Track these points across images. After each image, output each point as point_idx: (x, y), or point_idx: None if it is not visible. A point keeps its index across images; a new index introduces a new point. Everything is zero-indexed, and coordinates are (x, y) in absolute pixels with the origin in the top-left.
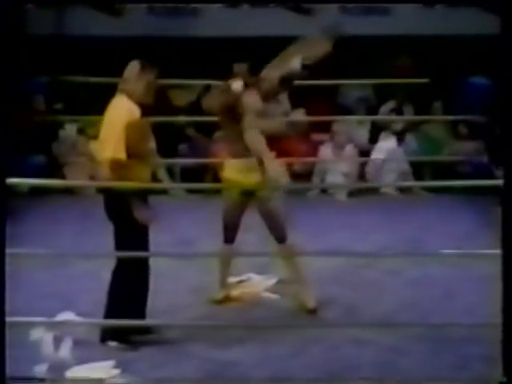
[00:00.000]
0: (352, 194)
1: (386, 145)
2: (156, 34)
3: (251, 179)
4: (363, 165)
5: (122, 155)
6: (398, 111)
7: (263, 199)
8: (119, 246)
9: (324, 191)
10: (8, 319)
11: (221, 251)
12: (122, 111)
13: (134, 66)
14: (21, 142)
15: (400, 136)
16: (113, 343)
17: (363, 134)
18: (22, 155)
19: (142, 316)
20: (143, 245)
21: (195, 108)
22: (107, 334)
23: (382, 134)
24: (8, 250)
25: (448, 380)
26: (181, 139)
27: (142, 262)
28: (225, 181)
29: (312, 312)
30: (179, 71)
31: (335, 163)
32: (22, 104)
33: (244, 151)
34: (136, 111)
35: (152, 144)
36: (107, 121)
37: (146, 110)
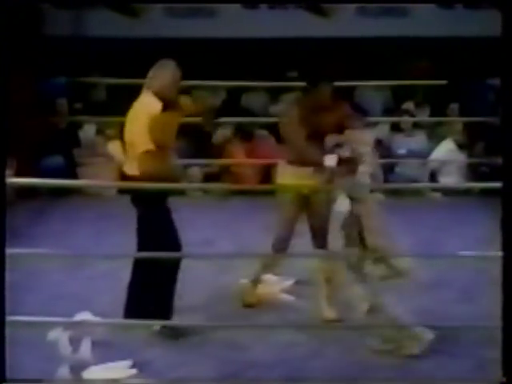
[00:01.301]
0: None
1: (446, 148)
2: (174, 35)
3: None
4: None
5: (151, 146)
6: (410, 113)
7: (318, 204)
8: (148, 240)
9: None
10: (8, 319)
11: (268, 257)
12: (146, 106)
13: (161, 65)
14: (39, 144)
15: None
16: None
17: (383, 135)
18: (41, 156)
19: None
20: (173, 239)
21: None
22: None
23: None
24: (8, 251)
25: (448, 380)
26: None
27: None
28: (279, 185)
29: (331, 321)
30: (197, 72)
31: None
32: (42, 106)
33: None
34: (159, 106)
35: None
36: (132, 116)
37: (170, 107)
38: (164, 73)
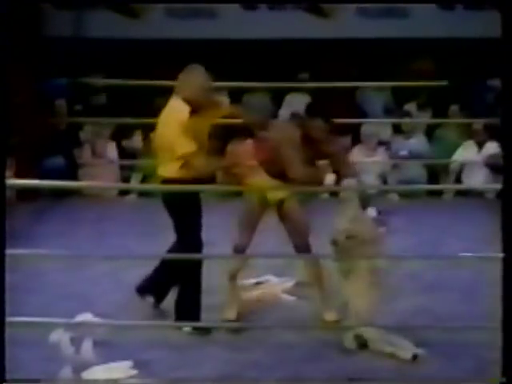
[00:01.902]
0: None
1: (467, 149)
2: (174, 36)
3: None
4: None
5: (190, 148)
6: (410, 114)
7: (288, 208)
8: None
9: (335, 194)
10: (8, 319)
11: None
12: (175, 111)
13: (189, 70)
14: (41, 145)
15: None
16: (150, 298)
17: (387, 136)
18: (41, 157)
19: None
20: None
21: None
22: (148, 289)
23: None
24: (8, 251)
25: (448, 381)
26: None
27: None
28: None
29: (330, 323)
30: None
31: (368, 165)
32: (42, 107)
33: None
34: (187, 111)
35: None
36: (163, 122)
37: (199, 111)
38: (192, 78)
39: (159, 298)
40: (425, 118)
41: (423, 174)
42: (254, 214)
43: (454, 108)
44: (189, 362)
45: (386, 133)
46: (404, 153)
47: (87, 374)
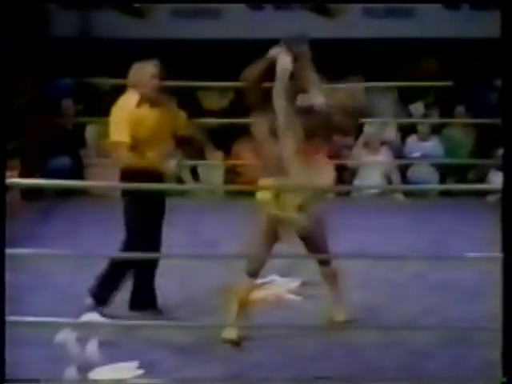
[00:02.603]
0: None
1: None
2: (180, 37)
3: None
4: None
5: (125, 138)
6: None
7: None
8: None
9: (347, 193)
10: (8, 318)
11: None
12: (123, 101)
13: (140, 63)
14: (46, 145)
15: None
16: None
17: (391, 136)
18: (47, 157)
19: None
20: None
21: (228, 113)
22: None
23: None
24: (8, 251)
25: (448, 380)
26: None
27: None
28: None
29: (339, 324)
30: (205, 73)
31: (371, 165)
32: (48, 107)
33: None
34: (135, 101)
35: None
36: (114, 111)
37: (149, 103)
38: (140, 70)
39: (101, 300)
40: (433, 118)
41: (435, 177)
42: (270, 232)
43: (459, 109)
44: (194, 362)
45: (390, 133)
46: (417, 155)
47: (93, 375)
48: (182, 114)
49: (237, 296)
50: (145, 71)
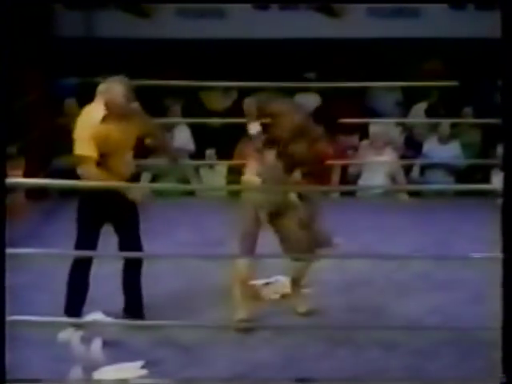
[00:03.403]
0: (413, 194)
1: None
2: (185, 36)
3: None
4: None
5: (94, 153)
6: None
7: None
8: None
9: (352, 193)
10: (8, 318)
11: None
12: (90, 114)
13: (111, 85)
14: (51, 144)
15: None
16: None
17: (396, 136)
18: (52, 157)
19: None
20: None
21: (231, 113)
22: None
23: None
24: (8, 250)
25: (448, 380)
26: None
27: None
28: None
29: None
30: (209, 74)
31: (376, 165)
32: (53, 106)
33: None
34: (100, 116)
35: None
36: (79, 120)
37: (117, 119)
38: (110, 90)
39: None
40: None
41: (450, 180)
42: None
43: (467, 110)
44: (199, 362)
45: (395, 133)
46: (434, 158)
47: (98, 374)
48: (150, 121)
49: (237, 277)
50: (114, 91)
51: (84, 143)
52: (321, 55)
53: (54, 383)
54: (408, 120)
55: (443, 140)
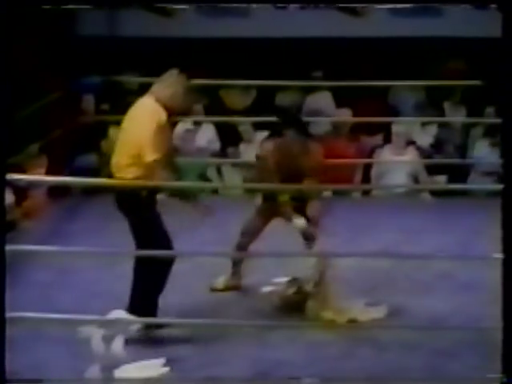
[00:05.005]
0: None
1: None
2: (207, 35)
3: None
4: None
5: (157, 156)
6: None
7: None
8: (140, 242)
9: (373, 193)
10: (8, 315)
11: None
12: (153, 112)
13: (170, 73)
14: (73, 142)
15: None
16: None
17: (427, 138)
18: (74, 155)
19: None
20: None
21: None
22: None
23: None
24: (8, 247)
25: (449, 380)
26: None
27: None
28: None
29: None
30: (230, 72)
31: (397, 164)
32: (73, 104)
33: None
34: (162, 114)
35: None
36: (135, 119)
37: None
38: (173, 83)
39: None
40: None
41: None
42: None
43: (489, 110)
44: (220, 360)
45: (417, 132)
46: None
47: (119, 372)
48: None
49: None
50: (177, 87)
51: (154, 147)
52: (343, 54)
53: (55, 383)
54: (429, 119)
55: (494, 144)
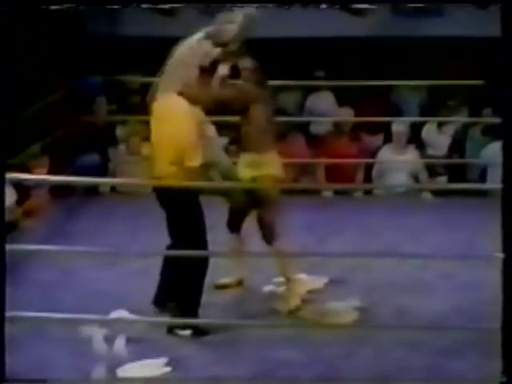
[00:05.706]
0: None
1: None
2: None
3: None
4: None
5: (198, 161)
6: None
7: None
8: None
9: (369, 192)
10: (9, 314)
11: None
12: (178, 108)
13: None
14: (76, 142)
15: None
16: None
17: (443, 141)
18: (77, 155)
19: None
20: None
21: None
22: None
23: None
24: (8, 247)
25: (449, 380)
26: None
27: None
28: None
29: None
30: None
31: (398, 163)
32: (79, 104)
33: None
34: (197, 115)
35: None
36: (165, 119)
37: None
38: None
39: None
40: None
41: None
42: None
43: (486, 111)
44: (223, 360)
45: (430, 132)
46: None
47: (121, 371)
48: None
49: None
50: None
51: (195, 152)
52: (345, 54)
53: (54, 383)
54: (430, 119)
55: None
